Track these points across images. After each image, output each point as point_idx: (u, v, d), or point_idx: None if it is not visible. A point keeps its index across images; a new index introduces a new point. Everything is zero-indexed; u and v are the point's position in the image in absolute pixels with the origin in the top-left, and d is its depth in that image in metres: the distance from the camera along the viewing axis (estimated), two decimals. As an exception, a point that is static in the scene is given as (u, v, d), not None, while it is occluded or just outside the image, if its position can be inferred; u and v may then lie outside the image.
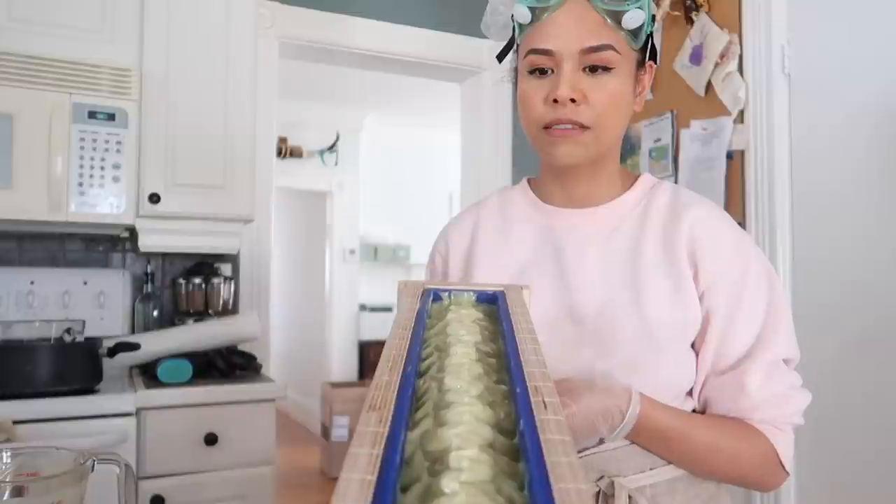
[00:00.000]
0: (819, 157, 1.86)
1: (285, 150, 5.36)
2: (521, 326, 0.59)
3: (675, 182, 2.18)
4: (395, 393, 0.43)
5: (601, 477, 0.80)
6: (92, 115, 1.92)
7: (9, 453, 0.67)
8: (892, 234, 1.69)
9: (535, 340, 0.55)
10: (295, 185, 5.55)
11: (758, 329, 0.83)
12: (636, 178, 0.93)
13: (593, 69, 0.80)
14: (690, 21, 2.15)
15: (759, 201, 1.94)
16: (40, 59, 1.88)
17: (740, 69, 1.99)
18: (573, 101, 0.80)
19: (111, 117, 1.94)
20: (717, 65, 2.04)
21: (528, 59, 0.83)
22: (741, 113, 1.98)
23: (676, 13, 2.20)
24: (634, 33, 0.80)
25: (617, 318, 0.83)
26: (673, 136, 2.20)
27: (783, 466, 0.82)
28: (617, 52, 0.80)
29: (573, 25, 0.79)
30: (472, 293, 0.70)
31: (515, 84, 0.90)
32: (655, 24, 0.84)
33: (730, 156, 2.01)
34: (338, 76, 4.41)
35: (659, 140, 2.26)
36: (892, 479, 1.67)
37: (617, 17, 0.79)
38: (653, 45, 0.86)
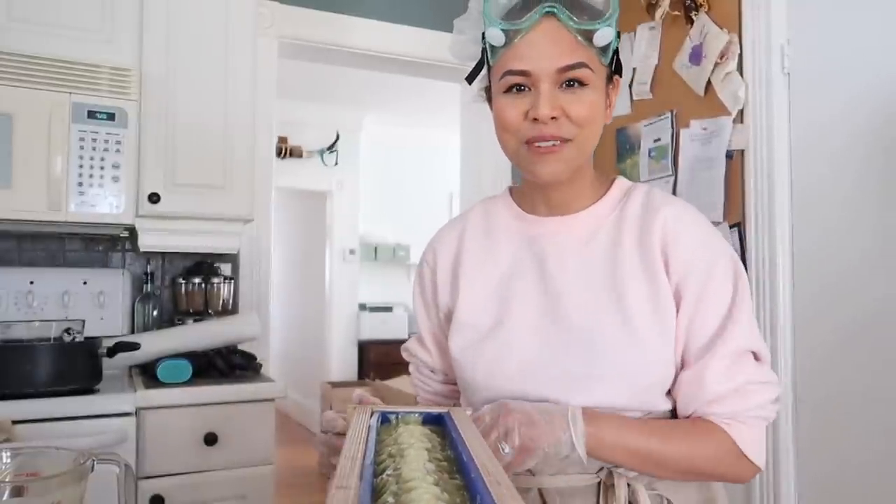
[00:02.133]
0: (819, 156, 1.86)
1: (285, 150, 5.36)
2: (469, 434, 0.65)
3: (675, 182, 2.18)
4: (358, 477, 0.49)
5: (601, 468, 0.84)
6: (91, 114, 1.92)
7: (9, 453, 0.67)
8: (891, 233, 1.69)
9: (484, 445, 0.62)
10: (295, 184, 5.55)
11: (720, 320, 0.84)
12: (611, 182, 0.95)
13: (570, 84, 0.82)
14: (690, 21, 2.15)
15: (758, 200, 1.94)
16: (40, 58, 1.87)
17: (740, 69, 1.99)
18: (553, 118, 0.82)
19: (111, 117, 1.94)
20: (716, 64, 2.04)
21: (504, 79, 0.84)
22: (741, 112, 1.99)
23: (676, 13, 2.20)
24: (604, 50, 0.83)
25: (601, 322, 0.85)
26: (673, 135, 2.21)
27: (749, 460, 0.83)
28: (590, 69, 0.82)
29: (548, 46, 0.81)
30: (418, 414, 0.76)
31: (489, 102, 0.92)
32: (621, 39, 0.92)
33: (729, 155, 2.01)
34: (337, 76, 4.41)
35: (659, 140, 2.26)
36: (891, 476, 1.67)
37: (588, 35, 0.81)
38: (618, 60, 0.89)
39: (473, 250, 0.97)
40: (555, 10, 0.81)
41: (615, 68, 0.89)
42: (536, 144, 0.84)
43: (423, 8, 2.81)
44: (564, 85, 0.82)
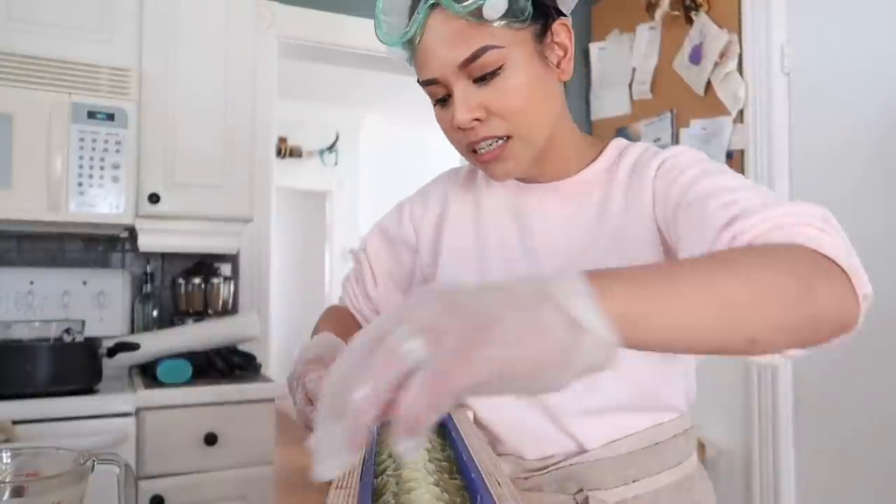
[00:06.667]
0: (818, 155, 1.86)
1: (285, 150, 5.36)
2: (468, 432, 0.64)
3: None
4: (359, 478, 0.48)
5: (579, 490, 0.76)
6: (91, 114, 1.92)
7: (9, 453, 0.66)
8: (892, 232, 1.69)
9: (485, 443, 0.60)
10: (295, 185, 5.55)
11: (709, 181, 0.69)
12: (606, 145, 0.85)
13: (482, 77, 0.72)
14: (690, 21, 2.15)
15: (758, 201, 1.94)
16: (40, 59, 1.87)
17: (740, 69, 1.99)
18: (477, 119, 0.73)
19: (110, 117, 1.94)
20: (716, 64, 2.04)
21: (427, 91, 0.77)
22: (741, 112, 1.99)
23: (676, 13, 2.20)
24: (512, 14, 0.70)
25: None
26: (672, 135, 2.21)
27: (835, 263, 0.55)
28: (498, 46, 0.70)
29: (440, 44, 0.71)
30: None
31: None
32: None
33: (729, 155, 2.01)
34: (338, 76, 4.41)
35: (658, 139, 2.26)
36: (891, 475, 1.67)
37: (478, 14, 0.69)
38: (547, 3, 0.75)
39: (457, 218, 0.90)
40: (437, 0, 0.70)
41: (548, 14, 0.75)
42: (475, 151, 0.75)
43: (422, 8, 2.80)
44: (478, 79, 0.72)
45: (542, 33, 0.74)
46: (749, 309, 0.48)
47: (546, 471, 0.78)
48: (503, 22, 0.70)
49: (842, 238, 0.58)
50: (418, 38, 0.73)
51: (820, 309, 0.51)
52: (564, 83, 0.81)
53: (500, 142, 0.74)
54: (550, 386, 0.40)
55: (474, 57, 0.70)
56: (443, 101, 0.76)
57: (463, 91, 0.72)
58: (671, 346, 0.47)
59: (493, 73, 0.71)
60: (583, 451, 0.77)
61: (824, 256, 0.54)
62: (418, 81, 0.77)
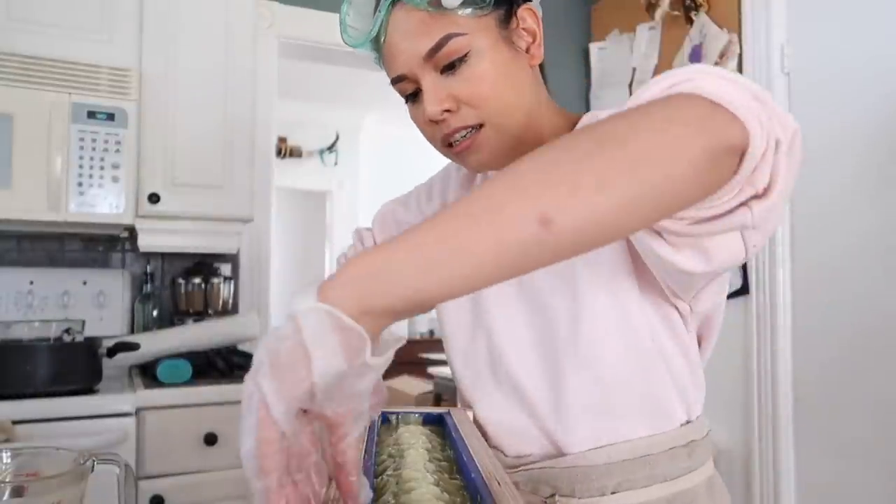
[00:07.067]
0: (819, 156, 1.86)
1: (285, 150, 5.36)
2: (469, 433, 0.64)
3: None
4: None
5: (552, 494, 0.73)
6: (91, 114, 1.92)
7: (9, 453, 0.66)
8: (891, 233, 1.69)
9: (485, 444, 0.60)
10: (295, 184, 5.55)
11: None
12: (579, 119, 0.81)
13: (449, 66, 0.71)
14: (690, 21, 2.15)
15: (758, 201, 1.94)
16: (40, 59, 1.87)
17: (740, 69, 1.99)
18: (448, 110, 0.72)
19: (110, 117, 1.94)
20: (716, 64, 2.04)
21: (396, 88, 0.76)
22: (741, 112, 1.98)
23: (676, 13, 2.20)
24: (473, 1, 0.70)
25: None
26: (672, 135, 2.21)
27: (721, 106, 0.47)
28: (460, 34, 0.70)
29: (404, 39, 0.71)
30: (418, 414, 0.74)
31: None
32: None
33: (729, 155, 2.01)
34: (338, 76, 4.41)
35: (658, 140, 2.26)
36: (890, 475, 1.67)
37: (437, 4, 0.69)
38: None
39: (456, 197, 0.90)
40: None
41: (512, 0, 0.74)
42: (450, 145, 0.75)
43: (422, 8, 2.80)
44: (445, 69, 0.71)
45: (507, 19, 0.74)
46: (519, 191, 0.44)
47: (517, 470, 0.76)
48: (465, 10, 0.70)
49: (714, 75, 0.50)
50: (383, 37, 0.73)
51: (659, 144, 0.45)
52: (544, 74, 0.80)
53: (473, 131, 0.73)
54: (339, 380, 0.42)
55: (438, 47, 0.70)
56: (414, 96, 0.75)
57: (431, 83, 0.72)
58: (443, 279, 0.43)
59: (460, 61, 0.71)
60: (560, 454, 0.74)
61: (679, 95, 0.49)
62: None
